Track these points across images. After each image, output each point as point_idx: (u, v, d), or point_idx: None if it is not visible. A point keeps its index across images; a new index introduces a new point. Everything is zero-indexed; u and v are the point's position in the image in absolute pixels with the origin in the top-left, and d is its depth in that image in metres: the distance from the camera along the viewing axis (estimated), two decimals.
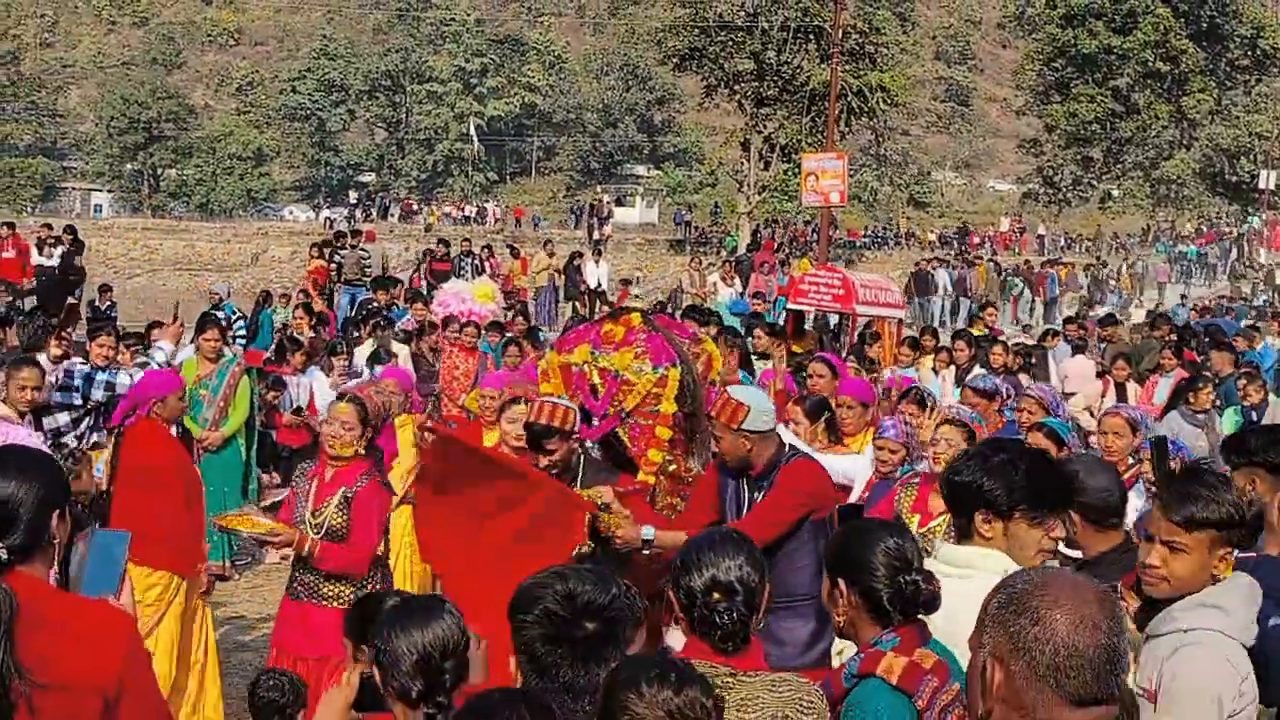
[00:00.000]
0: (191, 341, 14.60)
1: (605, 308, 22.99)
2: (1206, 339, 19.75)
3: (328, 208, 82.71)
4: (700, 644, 4.03)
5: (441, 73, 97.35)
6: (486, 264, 33.96)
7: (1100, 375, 16.76)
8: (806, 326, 17.93)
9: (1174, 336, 19.07)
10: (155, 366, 11.85)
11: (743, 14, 53.54)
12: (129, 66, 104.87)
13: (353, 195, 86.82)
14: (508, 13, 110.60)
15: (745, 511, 6.67)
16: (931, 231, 75.39)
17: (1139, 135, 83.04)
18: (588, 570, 3.67)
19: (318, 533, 7.13)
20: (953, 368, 15.74)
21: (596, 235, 55.14)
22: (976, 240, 68.00)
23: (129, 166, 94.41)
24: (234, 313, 20.73)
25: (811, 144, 47.91)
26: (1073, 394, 15.96)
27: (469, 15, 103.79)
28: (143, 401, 8.22)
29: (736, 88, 54.62)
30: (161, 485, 8.00)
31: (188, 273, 52.10)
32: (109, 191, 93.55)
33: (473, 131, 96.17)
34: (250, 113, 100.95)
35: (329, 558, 7.10)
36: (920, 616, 4.12)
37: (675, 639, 5.67)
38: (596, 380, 7.67)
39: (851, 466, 8.82)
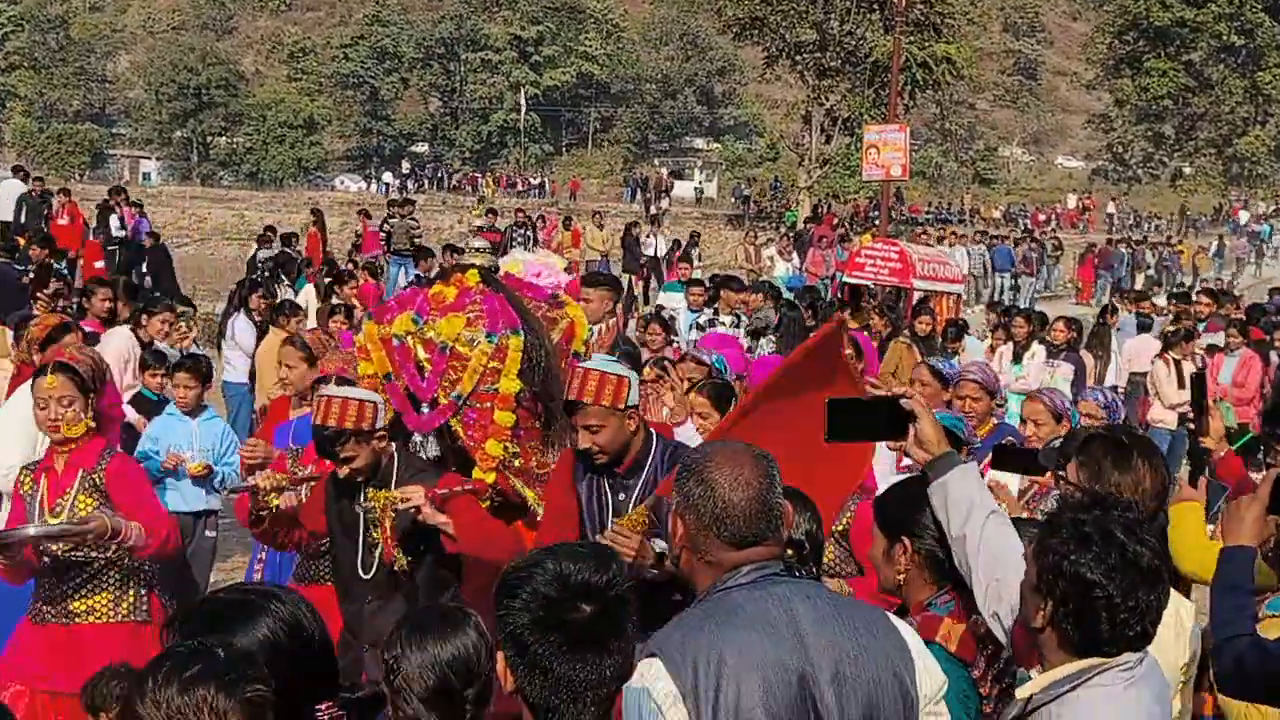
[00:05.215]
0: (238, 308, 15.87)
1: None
2: (1275, 318, 19.67)
3: (379, 178, 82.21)
4: None
5: (497, 41, 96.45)
6: (540, 235, 34.01)
7: (1160, 354, 16.14)
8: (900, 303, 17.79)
9: (1240, 315, 19.30)
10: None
11: None
12: (179, 32, 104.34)
13: (405, 165, 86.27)
14: None
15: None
16: (996, 209, 73.87)
17: (1212, 111, 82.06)
18: (582, 547, 3.20)
19: None
20: (1010, 344, 15.64)
21: (653, 210, 54.12)
22: (1042, 218, 66.53)
23: (178, 134, 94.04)
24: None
25: (874, 117, 47.85)
26: (1142, 372, 16.71)
27: None
28: None
29: (798, 58, 54.17)
30: None
31: (236, 242, 51.43)
32: (158, 159, 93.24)
33: (523, 101, 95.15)
34: (301, 80, 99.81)
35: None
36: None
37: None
38: (423, 355, 6.16)
39: None
